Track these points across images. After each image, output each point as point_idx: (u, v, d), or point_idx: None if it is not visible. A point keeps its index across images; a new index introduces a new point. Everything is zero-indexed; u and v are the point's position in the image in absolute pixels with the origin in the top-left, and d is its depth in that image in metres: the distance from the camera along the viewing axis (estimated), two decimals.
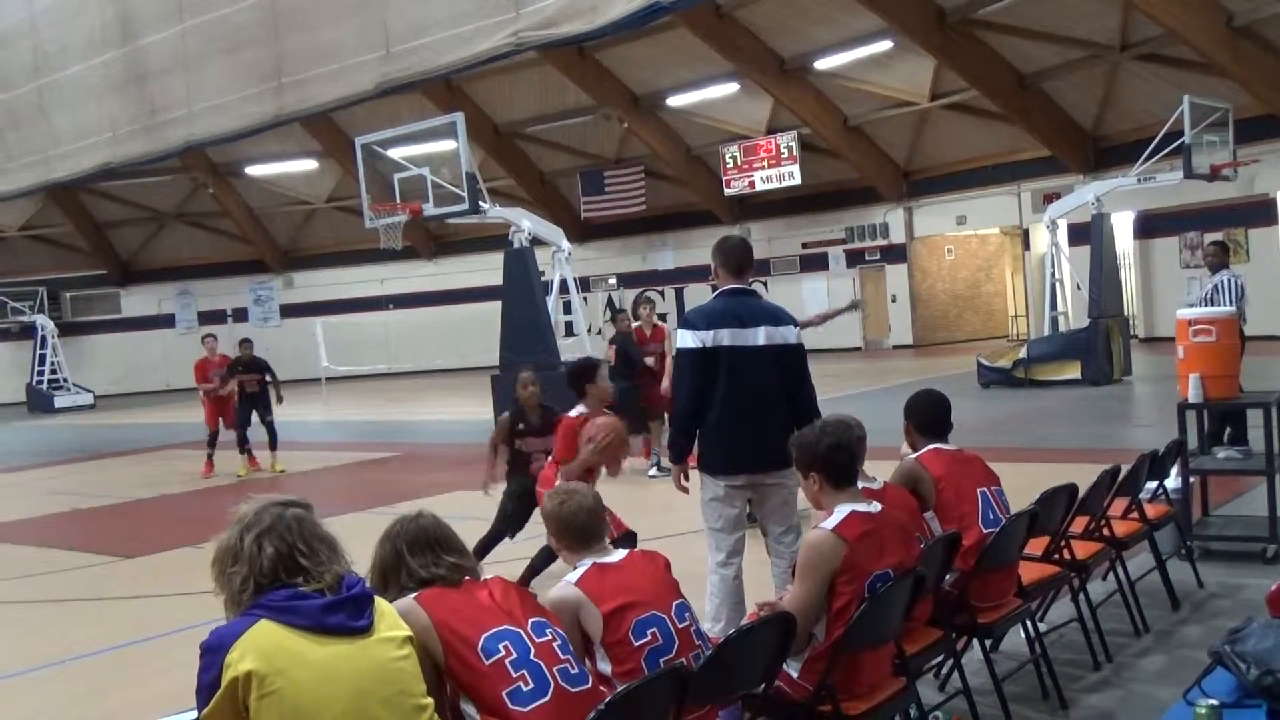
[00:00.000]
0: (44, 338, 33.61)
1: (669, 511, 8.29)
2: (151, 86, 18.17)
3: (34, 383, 33.33)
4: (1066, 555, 5.06)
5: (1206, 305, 9.95)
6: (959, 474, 4.61)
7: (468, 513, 8.95)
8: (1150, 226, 24.15)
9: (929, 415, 4.81)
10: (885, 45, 23.77)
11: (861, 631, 3.51)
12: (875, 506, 3.79)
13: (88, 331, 35.64)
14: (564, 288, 17.23)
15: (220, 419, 14.51)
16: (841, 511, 3.71)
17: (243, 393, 14.35)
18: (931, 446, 4.72)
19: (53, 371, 33.52)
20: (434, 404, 24.24)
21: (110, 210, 35.36)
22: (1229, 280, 10.05)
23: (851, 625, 3.50)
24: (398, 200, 15.98)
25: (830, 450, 3.80)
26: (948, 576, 4.37)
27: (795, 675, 3.60)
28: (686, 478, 5.30)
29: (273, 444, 14.37)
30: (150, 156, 19.58)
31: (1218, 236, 16.26)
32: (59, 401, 32.00)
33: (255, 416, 14.41)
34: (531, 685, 2.85)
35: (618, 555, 3.50)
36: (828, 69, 25.16)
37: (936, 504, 4.53)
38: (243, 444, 14.40)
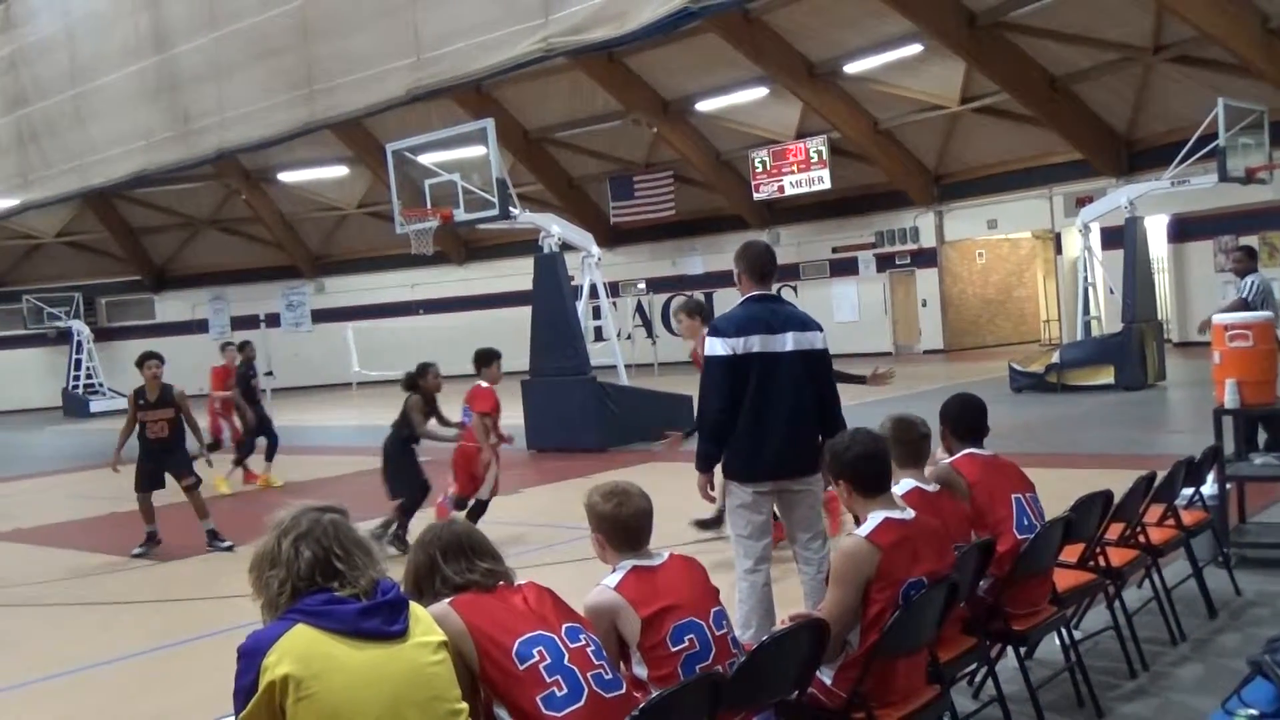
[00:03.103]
0: (79, 343, 33.99)
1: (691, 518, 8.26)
2: (185, 94, 18.29)
3: (70, 387, 33.71)
4: (1102, 562, 5.01)
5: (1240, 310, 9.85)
6: (993, 479, 4.58)
7: (494, 517, 9.01)
8: (1184, 230, 23.92)
9: (964, 419, 4.77)
10: (915, 49, 23.68)
11: (895, 638, 3.50)
12: (909, 513, 3.78)
13: (123, 337, 35.92)
14: (594, 293, 17.26)
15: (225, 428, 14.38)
16: (875, 518, 3.70)
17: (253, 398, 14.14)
18: (966, 451, 4.69)
19: (88, 376, 33.88)
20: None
21: (145, 217, 35.71)
22: (1255, 283, 9.94)
23: (885, 632, 3.49)
24: (429, 206, 16.07)
25: (858, 459, 3.80)
26: (982, 583, 4.34)
27: (829, 682, 3.59)
28: (713, 485, 5.29)
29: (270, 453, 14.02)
30: (184, 163, 19.70)
31: (1244, 240, 16.03)
32: (94, 406, 32.31)
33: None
34: (565, 690, 2.86)
35: (658, 559, 3.49)
36: (857, 73, 25.08)
37: (970, 509, 4.50)
38: (246, 455, 14.00)
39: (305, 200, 35.08)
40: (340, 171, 33.37)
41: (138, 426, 9.88)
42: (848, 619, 3.58)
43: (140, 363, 12.72)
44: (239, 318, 36.47)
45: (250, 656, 2.57)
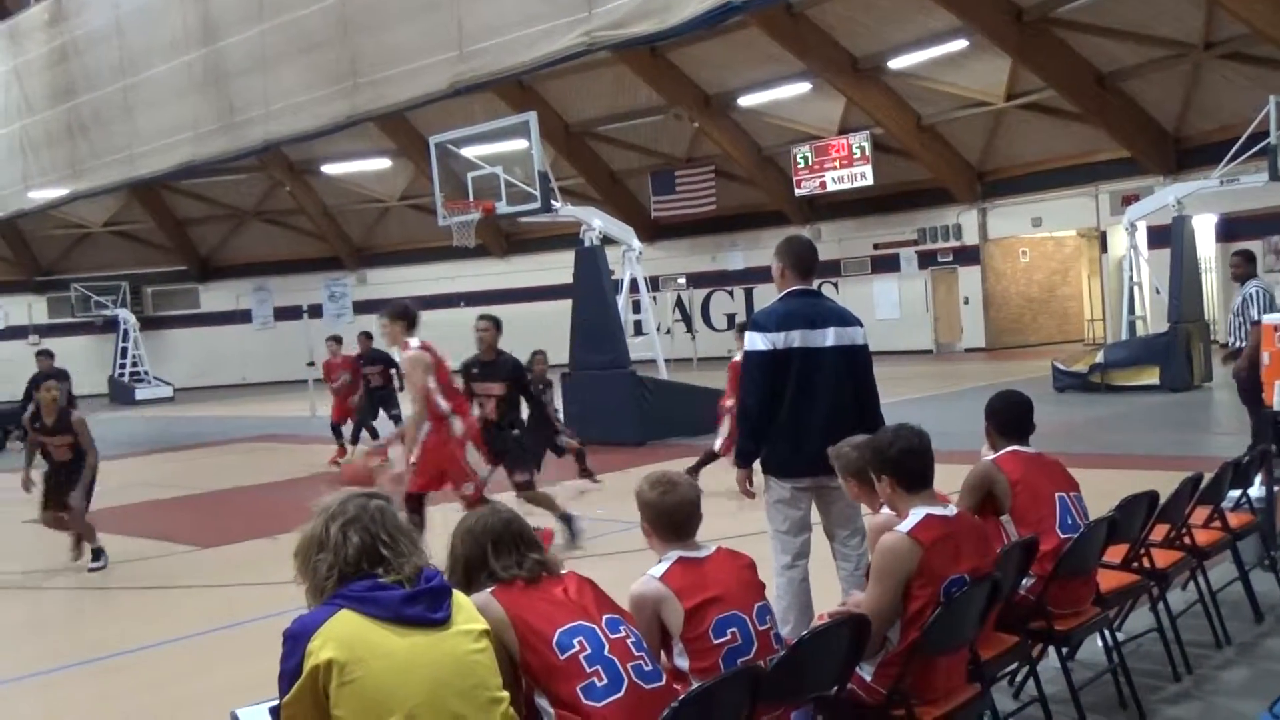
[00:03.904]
0: (126, 331, 34.48)
1: (736, 515, 8.26)
2: (231, 86, 18.47)
3: (116, 375, 34.20)
4: (1146, 564, 4.96)
5: (1237, 319, 9.72)
6: (1036, 478, 4.53)
7: (534, 508, 9.03)
8: (1233, 230, 23.54)
9: (1009, 416, 4.72)
10: (961, 44, 23.48)
11: (937, 636, 3.48)
12: (951, 510, 3.76)
13: (168, 326, 36.42)
14: (634, 287, 17.27)
15: (344, 414, 14.89)
16: (916, 515, 3.68)
17: (367, 385, 14.66)
18: (1010, 449, 4.63)
19: (134, 364, 34.36)
20: None
21: (191, 207, 36.12)
22: (1257, 292, 9.79)
23: (926, 629, 3.47)
24: (471, 198, 16.13)
25: (902, 454, 3.78)
26: (1024, 582, 4.31)
27: (869, 678, 3.58)
28: (752, 481, 5.27)
29: (372, 435, 14.53)
30: (230, 155, 19.90)
31: (1244, 245, 15.56)
32: (140, 394, 32.77)
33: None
34: (606, 681, 2.87)
35: (705, 551, 3.49)
36: (901, 68, 24.92)
37: (1012, 508, 4.46)
38: (356, 437, 14.61)
39: (348, 192, 35.33)
40: (383, 164, 33.58)
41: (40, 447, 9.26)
42: (888, 615, 3.57)
43: (36, 384, 12.89)
44: (282, 308, 36.82)
45: (295, 640, 2.60)
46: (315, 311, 36.71)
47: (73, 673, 6.16)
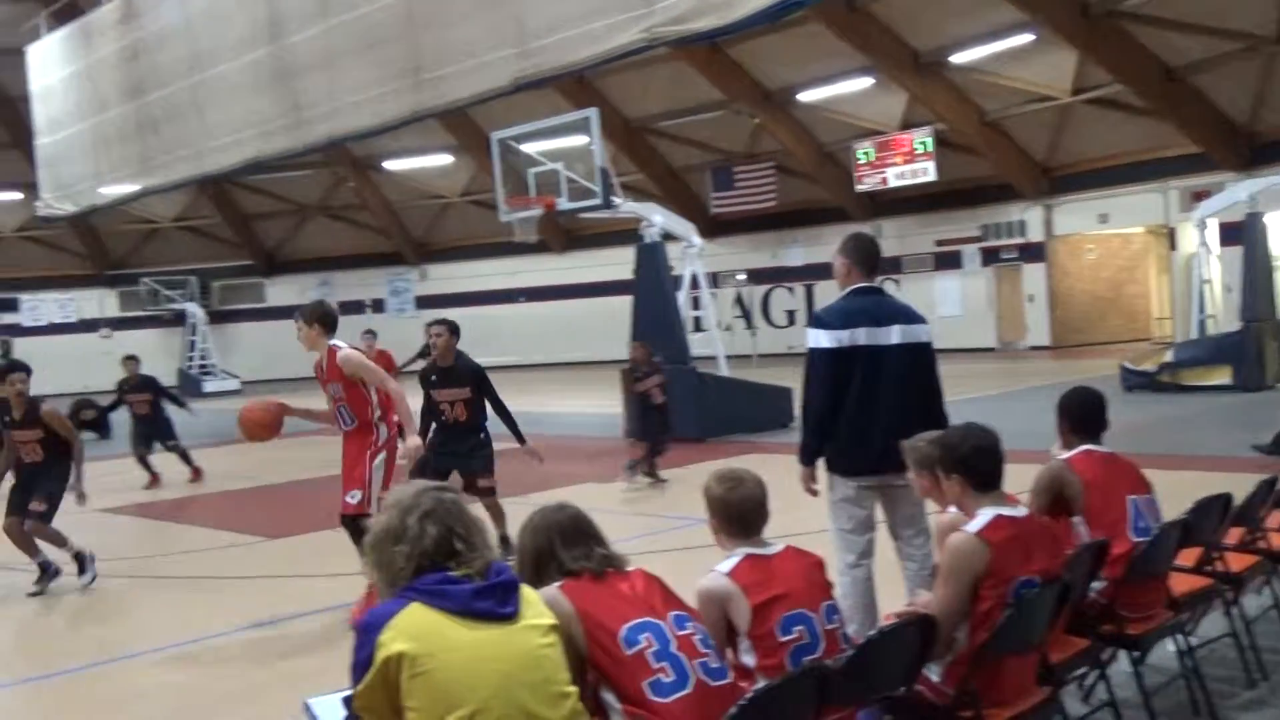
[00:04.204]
0: (194, 325, 35.11)
1: (793, 512, 8.22)
2: (297, 83, 18.71)
3: (184, 368, 34.83)
4: (1220, 567, 4.86)
5: None
6: (1109, 479, 4.44)
7: (596, 505, 9.07)
8: None
9: (1083, 413, 4.62)
10: (1026, 38, 23.15)
11: (1006, 638, 3.44)
12: (1021, 510, 3.71)
13: (235, 319, 36.94)
14: (694, 283, 17.25)
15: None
16: (985, 515, 3.63)
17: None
18: (1083, 448, 4.54)
19: (202, 357, 34.98)
20: (563, 397, 24.50)
21: (256, 203, 36.67)
22: None
23: (996, 631, 3.43)
24: (532, 194, 16.21)
25: (973, 453, 3.73)
26: (1094, 585, 4.24)
27: (936, 679, 3.55)
28: (815, 479, 5.23)
29: None
30: (295, 151, 20.17)
31: None
32: (207, 386, 33.34)
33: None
34: (673, 677, 2.87)
35: (773, 548, 3.48)
36: (965, 63, 24.62)
37: (1085, 509, 4.37)
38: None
39: (410, 188, 35.65)
40: (445, 160, 33.84)
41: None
42: (956, 616, 3.53)
43: (123, 390, 12.68)
44: (345, 302, 37.17)
45: (367, 632, 2.62)
46: (378, 306, 37.24)
47: (135, 662, 6.28)
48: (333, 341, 7.01)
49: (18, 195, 33.59)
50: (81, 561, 8.26)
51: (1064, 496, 4.39)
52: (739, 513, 3.49)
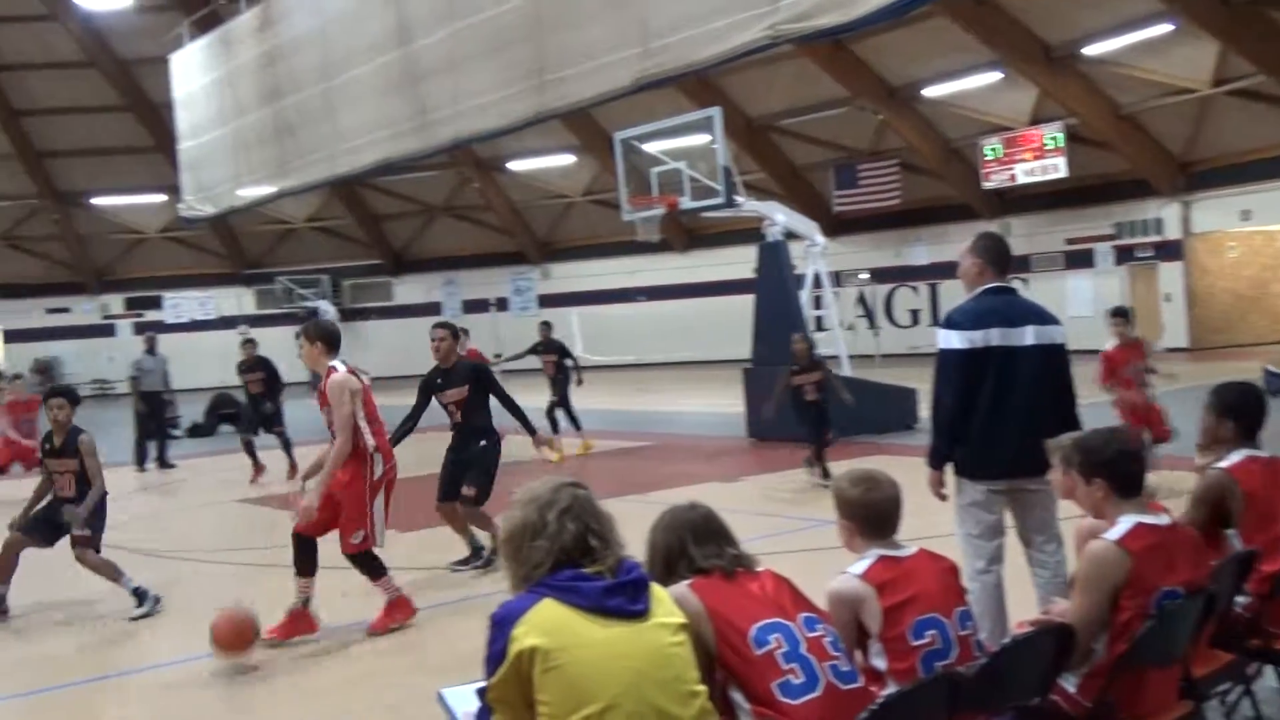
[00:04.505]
0: None
1: (921, 515, 8.09)
2: (424, 86, 19.13)
3: None
4: None
5: None
6: (1270, 489, 4.17)
7: (719, 505, 9.06)
8: None
9: (1244, 409, 4.31)
10: (1164, 28, 22.35)
11: (1146, 649, 3.34)
12: (1164, 519, 3.59)
13: (365, 317, 37.94)
14: (816, 282, 17.10)
15: None
16: (1126, 523, 3.53)
17: (546, 374, 15.00)
18: (1244, 454, 4.25)
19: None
20: (684, 396, 24.55)
21: (385, 203, 37.61)
22: None
23: (1136, 642, 3.33)
24: (654, 194, 16.27)
25: (1118, 456, 3.62)
26: (1239, 598, 4.07)
27: (1072, 690, 3.46)
28: (943, 483, 5.13)
29: (575, 425, 14.83)
30: (423, 152, 20.65)
31: None
32: None
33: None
34: (802, 679, 2.86)
35: (907, 550, 3.44)
36: (1098, 55, 23.88)
37: (1242, 521, 4.14)
38: (554, 424, 14.63)
39: (533, 188, 36.11)
40: (567, 160, 34.18)
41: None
42: (1094, 626, 3.44)
43: (242, 371, 13.05)
44: (470, 301, 37.97)
45: (500, 626, 2.68)
46: (502, 305, 37.83)
47: (272, 649, 6.47)
48: (333, 362, 6.71)
49: (162, 198, 35.08)
50: (140, 597, 7.55)
51: (1225, 509, 4.18)
52: (875, 514, 3.45)
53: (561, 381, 14.99)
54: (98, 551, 7.61)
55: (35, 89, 34.14)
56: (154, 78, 31.09)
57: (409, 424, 8.40)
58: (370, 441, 6.68)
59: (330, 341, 6.77)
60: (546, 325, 15.68)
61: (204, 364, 31.01)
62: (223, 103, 24.85)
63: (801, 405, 11.52)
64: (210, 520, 12.04)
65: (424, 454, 9.21)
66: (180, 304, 38.58)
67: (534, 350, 15.39)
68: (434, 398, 8.57)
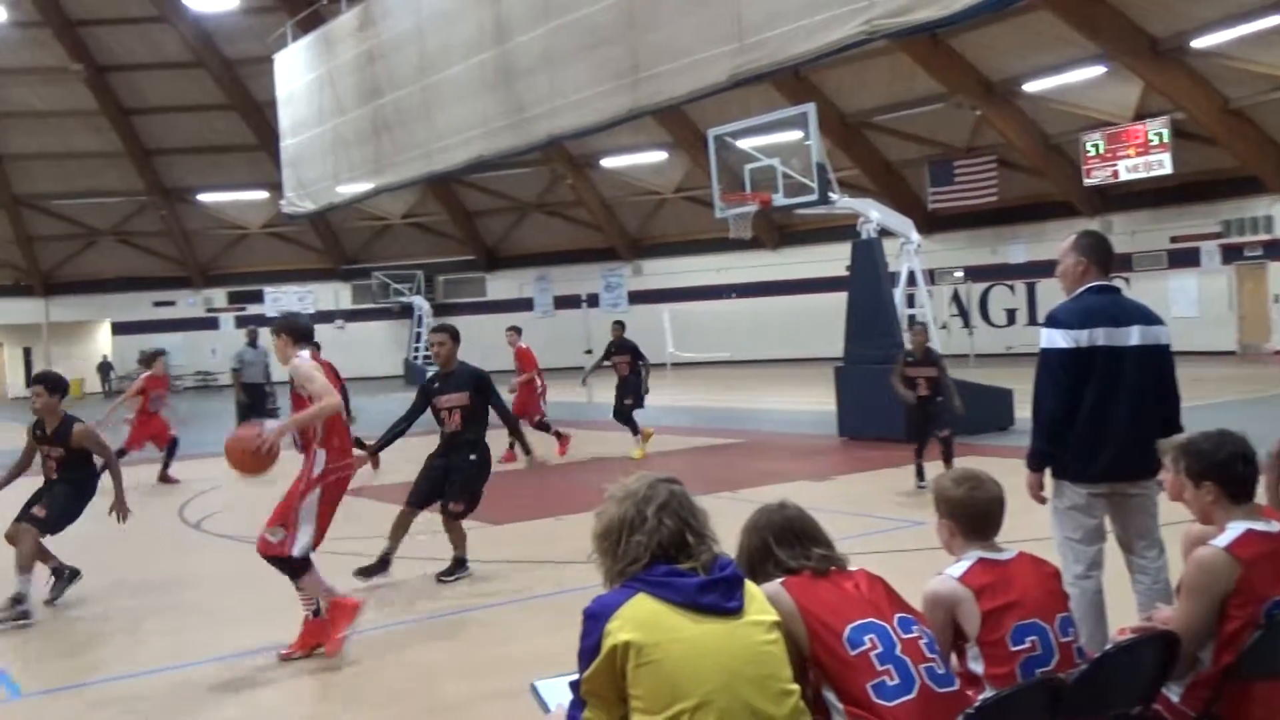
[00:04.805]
0: (419, 317, 36.76)
1: (1016, 517, 7.94)
2: (519, 84, 19.31)
3: (410, 358, 36.50)
4: None
5: None
6: None
7: (809, 503, 9.00)
8: None
9: None
10: (1276, 20, 21.60)
11: (1256, 660, 3.24)
12: (1275, 526, 3.47)
13: (457, 312, 38.45)
14: (911, 280, 16.90)
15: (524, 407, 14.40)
16: (1236, 529, 3.42)
17: (617, 374, 14.93)
18: None
19: (427, 348, 36.49)
20: (774, 393, 24.43)
21: (479, 200, 38.08)
22: None
23: (1244, 653, 3.23)
24: (747, 190, 16.20)
25: (1232, 459, 3.50)
26: None
27: (1176, 700, 3.37)
28: (1043, 486, 5.01)
29: (632, 429, 14.65)
30: (517, 150, 20.83)
31: None
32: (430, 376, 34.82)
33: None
34: (897, 680, 2.83)
35: (1007, 554, 3.38)
36: (1207, 48, 23.18)
37: None
38: (631, 424, 14.63)
39: (625, 184, 36.25)
40: (659, 156, 34.24)
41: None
42: (1199, 634, 3.34)
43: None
44: (561, 297, 38.27)
45: (595, 620, 2.69)
46: (593, 301, 38.05)
47: (383, 634, 6.60)
48: (301, 353, 6.37)
49: (264, 194, 36.01)
50: (20, 599, 7.35)
51: None
52: (978, 514, 3.39)
53: (634, 383, 14.81)
54: (43, 535, 7.57)
55: (145, 88, 35.28)
56: (258, 77, 31.92)
57: (402, 425, 8.14)
58: (320, 433, 6.26)
59: (297, 334, 6.47)
60: (619, 325, 15.56)
61: None
62: (323, 101, 25.38)
63: (917, 401, 10.89)
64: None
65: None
66: (280, 298, 39.54)
67: (608, 353, 15.30)
68: (431, 402, 8.11)
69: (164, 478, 14.46)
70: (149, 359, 15.22)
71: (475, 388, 8.02)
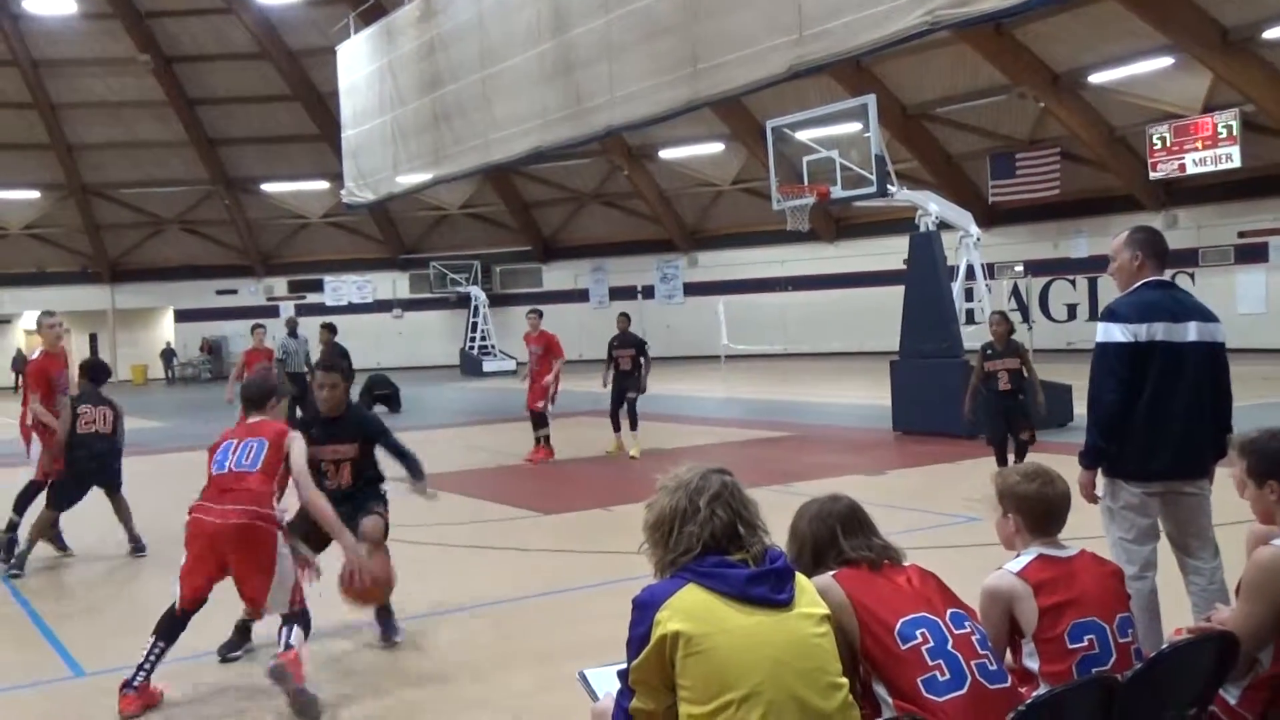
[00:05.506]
0: (476, 307, 37.03)
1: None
2: (578, 75, 19.33)
3: (466, 348, 36.77)
4: None
5: None
6: None
7: (864, 497, 8.96)
8: None
9: None
10: None
11: None
12: None
13: (514, 303, 38.74)
14: (970, 274, 16.72)
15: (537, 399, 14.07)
16: None
17: (617, 368, 14.33)
18: None
19: (483, 338, 36.85)
20: (829, 386, 24.31)
21: (536, 191, 38.22)
22: None
23: None
24: (805, 182, 16.12)
25: None
26: None
27: (1233, 702, 3.32)
28: (1096, 484, 4.93)
29: (633, 423, 14.02)
30: (575, 141, 20.84)
31: None
32: (487, 366, 35.08)
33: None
34: (948, 676, 2.81)
35: (1069, 551, 3.35)
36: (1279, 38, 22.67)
37: None
38: (616, 422, 14.19)
39: (683, 176, 36.19)
40: (717, 148, 34.15)
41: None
42: (1259, 636, 3.29)
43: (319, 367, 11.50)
44: (617, 288, 38.32)
45: (644, 609, 2.70)
46: (649, 292, 38.08)
47: (424, 621, 6.66)
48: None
49: (325, 185, 36.47)
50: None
51: None
52: (1049, 510, 3.38)
53: (635, 377, 14.18)
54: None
55: (210, 79, 35.83)
56: (321, 68, 32.29)
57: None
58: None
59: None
60: (625, 317, 14.95)
61: (360, 346, 31.99)
62: (384, 92, 25.59)
63: (993, 395, 10.19)
64: None
65: None
66: (340, 287, 40.02)
67: (610, 347, 14.56)
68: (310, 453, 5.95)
69: None
70: (252, 330, 15.63)
71: (365, 437, 6.52)
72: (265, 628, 5.80)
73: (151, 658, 5.27)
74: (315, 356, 16.89)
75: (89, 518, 9.14)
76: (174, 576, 5.47)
